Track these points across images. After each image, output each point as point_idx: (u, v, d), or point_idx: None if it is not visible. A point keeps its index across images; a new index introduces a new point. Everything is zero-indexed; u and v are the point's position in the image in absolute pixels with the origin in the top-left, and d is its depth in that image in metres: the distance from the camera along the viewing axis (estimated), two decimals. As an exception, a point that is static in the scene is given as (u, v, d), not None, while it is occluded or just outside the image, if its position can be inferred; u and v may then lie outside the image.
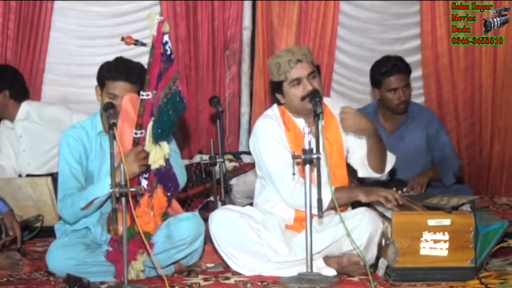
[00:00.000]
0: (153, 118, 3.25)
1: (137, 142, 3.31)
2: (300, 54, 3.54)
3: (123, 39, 3.29)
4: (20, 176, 4.77)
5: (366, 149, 3.62)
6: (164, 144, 3.30)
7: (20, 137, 4.79)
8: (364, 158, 3.63)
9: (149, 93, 3.23)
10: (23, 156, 4.79)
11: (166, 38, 3.18)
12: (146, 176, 3.36)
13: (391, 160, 3.68)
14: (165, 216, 3.43)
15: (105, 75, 3.53)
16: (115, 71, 3.50)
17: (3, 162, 4.82)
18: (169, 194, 3.42)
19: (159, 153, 3.29)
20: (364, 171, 3.67)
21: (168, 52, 3.20)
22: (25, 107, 4.77)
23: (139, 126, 3.28)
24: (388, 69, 4.50)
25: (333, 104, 3.73)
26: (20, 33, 5.26)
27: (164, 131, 3.27)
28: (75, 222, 3.49)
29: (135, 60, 3.62)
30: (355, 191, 3.48)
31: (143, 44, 3.27)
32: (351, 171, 3.78)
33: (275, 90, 3.64)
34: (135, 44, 3.28)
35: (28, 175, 4.71)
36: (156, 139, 3.28)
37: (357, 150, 3.66)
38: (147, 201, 3.34)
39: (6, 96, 4.71)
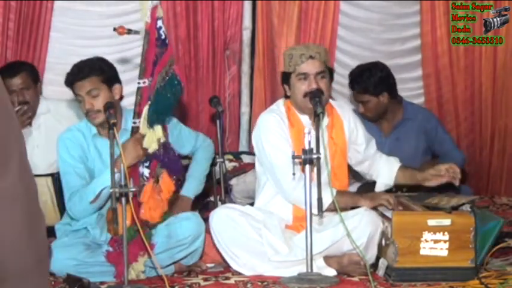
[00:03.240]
0: (149, 102, 3.22)
1: (136, 131, 3.29)
2: (314, 51, 3.56)
3: (115, 29, 3.30)
4: None
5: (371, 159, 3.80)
6: (158, 128, 3.27)
7: (36, 130, 4.75)
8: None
9: (145, 80, 3.21)
10: (35, 153, 4.75)
11: (160, 23, 3.18)
12: (147, 164, 3.32)
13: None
14: (165, 216, 3.43)
15: (67, 84, 3.57)
16: (69, 77, 3.54)
17: None
18: (174, 177, 3.39)
19: (152, 137, 3.27)
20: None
21: (163, 37, 3.20)
22: (43, 101, 4.78)
23: (137, 114, 3.26)
24: (349, 83, 4.56)
25: (339, 105, 3.74)
26: (20, 33, 5.26)
27: (160, 113, 3.25)
28: (85, 217, 3.48)
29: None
30: (357, 198, 3.51)
31: (136, 32, 3.27)
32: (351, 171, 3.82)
33: (284, 81, 3.67)
34: (128, 33, 3.28)
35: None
36: (152, 122, 3.25)
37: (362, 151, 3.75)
38: (153, 186, 3.30)
39: (39, 88, 4.76)
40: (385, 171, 3.81)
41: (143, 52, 3.21)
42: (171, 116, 3.49)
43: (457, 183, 3.62)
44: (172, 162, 3.38)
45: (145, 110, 3.23)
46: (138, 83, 3.23)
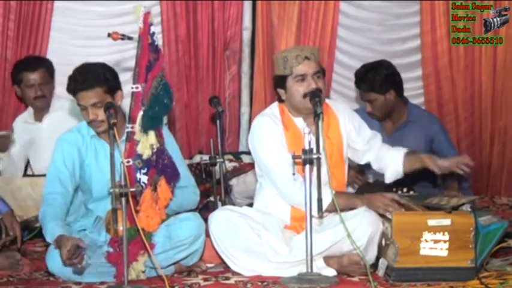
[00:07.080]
0: (143, 108, 3.21)
1: (130, 136, 3.28)
2: (309, 52, 3.56)
3: (109, 35, 3.29)
4: (26, 173, 4.75)
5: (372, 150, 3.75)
6: (151, 133, 3.25)
7: (46, 126, 4.75)
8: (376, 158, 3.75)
9: (138, 85, 3.21)
10: (43, 148, 4.73)
11: (152, 29, 3.19)
12: (144, 171, 3.30)
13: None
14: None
15: (69, 92, 3.49)
16: (72, 85, 3.45)
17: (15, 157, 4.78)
18: (171, 184, 3.37)
19: (145, 143, 3.25)
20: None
21: (156, 42, 3.21)
22: (57, 99, 4.80)
23: (132, 120, 3.26)
24: (355, 82, 4.56)
25: (334, 104, 3.74)
26: (20, 33, 5.26)
27: (156, 119, 3.24)
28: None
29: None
30: (354, 200, 3.49)
31: (130, 38, 3.27)
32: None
33: (278, 85, 3.63)
34: (122, 39, 3.28)
35: (27, 175, 4.70)
36: (146, 128, 3.23)
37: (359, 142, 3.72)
38: (151, 195, 3.28)
39: (53, 84, 4.85)
40: (391, 160, 3.72)
41: (136, 57, 3.21)
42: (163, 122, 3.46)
43: (466, 170, 3.65)
44: (169, 168, 3.36)
45: (139, 116, 3.22)
46: (132, 87, 3.22)
